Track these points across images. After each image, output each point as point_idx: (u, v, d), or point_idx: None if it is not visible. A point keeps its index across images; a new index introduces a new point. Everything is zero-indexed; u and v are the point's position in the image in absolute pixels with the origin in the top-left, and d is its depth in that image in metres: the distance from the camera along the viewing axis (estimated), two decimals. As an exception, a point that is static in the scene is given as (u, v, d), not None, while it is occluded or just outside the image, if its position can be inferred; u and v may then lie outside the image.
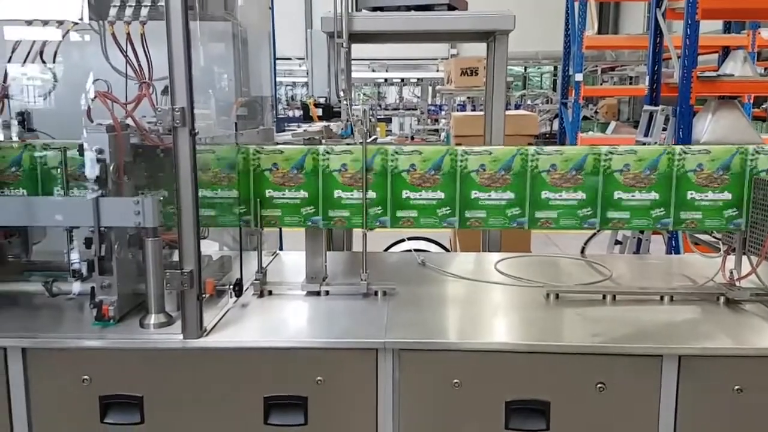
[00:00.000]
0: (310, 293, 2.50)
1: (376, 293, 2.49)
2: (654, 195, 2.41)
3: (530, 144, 4.11)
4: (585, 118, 12.70)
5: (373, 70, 14.36)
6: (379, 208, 2.42)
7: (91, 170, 2.08)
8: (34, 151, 2.36)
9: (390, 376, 2.08)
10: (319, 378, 2.07)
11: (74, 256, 2.74)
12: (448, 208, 2.45)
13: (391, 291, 2.51)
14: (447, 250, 4.68)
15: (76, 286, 2.31)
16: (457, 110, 12.59)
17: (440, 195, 2.43)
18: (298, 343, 2.09)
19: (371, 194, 2.41)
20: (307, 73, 5.48)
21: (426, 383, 2.09)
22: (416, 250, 3.26)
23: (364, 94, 14.99)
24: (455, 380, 2.06)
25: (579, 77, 9.27)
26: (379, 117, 12.16)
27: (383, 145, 2.48)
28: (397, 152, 2.40)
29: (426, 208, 2.45)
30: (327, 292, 2.50)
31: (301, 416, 2.07)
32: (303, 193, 2.40)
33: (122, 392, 2.06)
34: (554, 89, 18.85)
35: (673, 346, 2.06)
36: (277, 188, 2.40)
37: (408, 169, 2.41)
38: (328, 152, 2.38)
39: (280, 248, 3.62)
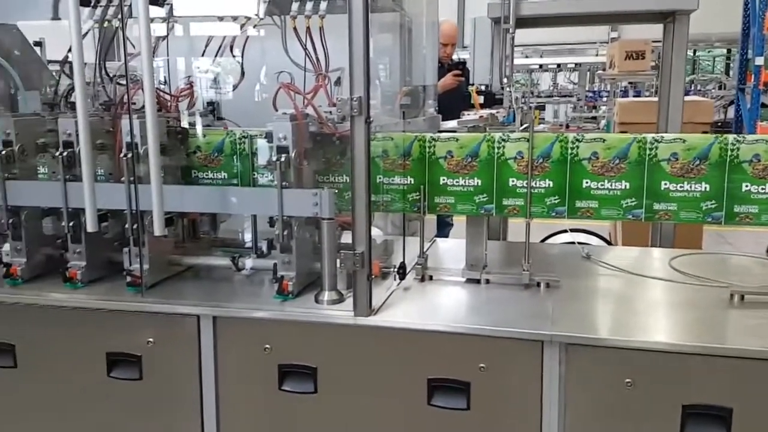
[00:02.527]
0: (470, 280, 2.52)
1: (538, 284, 2.45)
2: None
3: (705, 132, 3.80)
4: (764, 105, 11.46)
5: (527, 56, 13.95)
6: (556, 197, 2.37)
7: (270, 156, 2.25)
8: (234, 138, 2.58)
9: (556, 370, 2.04)
10: (482, 365, 2.08)
11: (248, 236, 3.00)
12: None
13: (554, 283, 2.45)
14: (609, 243, 4.47)
15: (249, 262, 2.55)
16: (620, 96, 11.90)
17: (625, 184, 2.34)
18: (462, 328, 2.11)
19: (548, 183, 2.37)
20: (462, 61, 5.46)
21: (595, 380, 2.02)
22: (577, 243, 3.14)
23: (516, 81, 14.66)
24: (627, 380, 1.97)
25: (759, 61, 8.42)
26: (531, 105, 11.83)
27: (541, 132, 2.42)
28: (578, 140, 2.33)
29: (609, 199, 2.36)
30: (487, 281, 2.50)
31: (464, 401, 2.10)
32: (477, 181, 2.41)
33: (299, 362, 2.20)
34: (727, 74, 17.17)
35: None
36: (450, 175, 2.43)
37: (590, 158, 2.33)
38: (503, 139, 2.37)
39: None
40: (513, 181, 2.39)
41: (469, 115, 2.75)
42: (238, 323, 2.24)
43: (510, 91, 3.02)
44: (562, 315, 2.19)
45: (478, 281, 2.49)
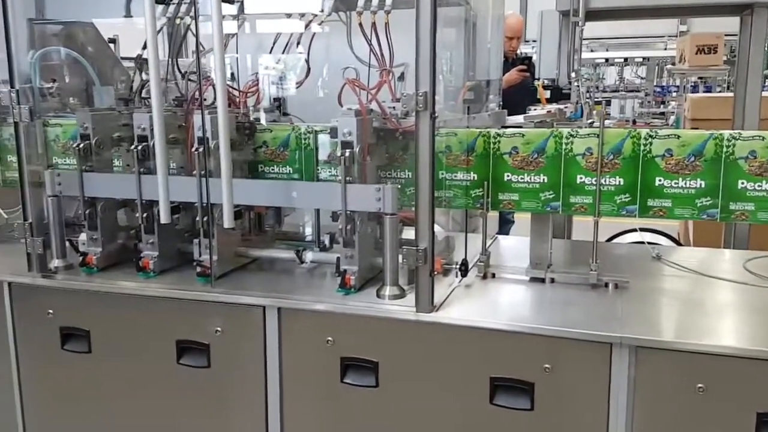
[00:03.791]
0: (534, 279, 2.47)
1: (606, 285, 2.38)
2: None
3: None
4: None
5: (592, 50, 13.56)
6: (627, 195, 2.30)
7: (332, 151, 2.28)
8: (299, 132, 2.62)
9: (625, 373, 1.98)
10: (547, 366, 2.04)
11: (306, 230, 3.04)
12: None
13: (623, 284, 2.38)
14: (678, 243, 4.31)
15: (312, 256, 2.58)
16: (689, 91, 11.43)
17: (700, 183, 2.25)
18: (527, 328, 2.07)
19: (618, 180, 2.30)
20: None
21: (666, 385, 1.96)
22: (647, 243, 3.04)
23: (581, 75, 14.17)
24: (699, 385, 1.90)
25: None
26: (596, 99, 11.50)
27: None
28: (651, 136, 2.25)
29: (683, 198, 2.27)
30: (552, 280, 2.45)
31: (527, 402, 2.07)
32: (543, 177, 2.36)
33: (360, 356, 2.22)
34: (809, 67, 16.18)
35: None
36: (515, 171, 2.39)
37: (663, 155, 2.25)
38: (572, 135, 2.31)
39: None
40: (581, 177, 2.33)
41: (536, 110, 2.69)
42: (302, 315, 2.28)
43: (578, 86, 2.94)
44: (632, 317, 2.12)
45: (542, 280, 2.44)
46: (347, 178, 2.24)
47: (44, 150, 2.70)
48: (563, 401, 2.05)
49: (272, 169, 2.66)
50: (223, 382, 2.37)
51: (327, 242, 2.64)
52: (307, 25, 2.73)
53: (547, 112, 2.61)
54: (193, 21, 2.51)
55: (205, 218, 2.38)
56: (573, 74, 3.07)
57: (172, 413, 2.47)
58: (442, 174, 2.44)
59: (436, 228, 2.76)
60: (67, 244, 2.60)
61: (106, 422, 2.57)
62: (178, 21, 2.58)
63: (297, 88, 2.84)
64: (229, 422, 2.40)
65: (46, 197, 2.53)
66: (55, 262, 2.56)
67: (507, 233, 4.62)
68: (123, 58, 3.16)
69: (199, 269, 2.41)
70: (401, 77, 2.54)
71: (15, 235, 2.78)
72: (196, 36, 2.37)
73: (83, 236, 2.58)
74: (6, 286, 2.56)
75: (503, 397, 2.09)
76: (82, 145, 2.46)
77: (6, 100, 2.55)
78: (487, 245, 2.57)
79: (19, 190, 2.55)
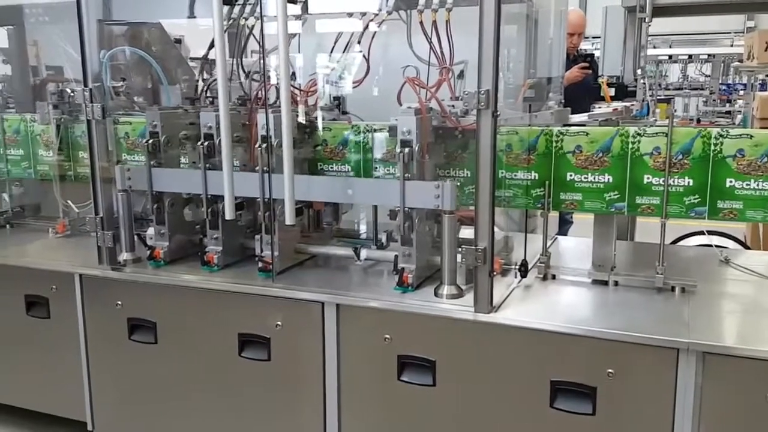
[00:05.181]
0: (596, 281, 2.42)
1: (672, 288, 2.31)
2: None
3: None
4: None
5: (654, 47, 13.13)
6: (696, 196, 2.22)
7: (392, 148, 2.27)
8: (358, 131, 2.64)
9: (692, 379, 1.92)
10: (610, 370, 1.99)
11: (362, 227, 3.05)
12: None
13: (690, 287, 2.31)
14: (746, 247, 4.13)
15: (369, 253, 2.59)
16: (758, 89, 10.93)
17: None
18: (590, 331, 2.03)
19: (687, 181, 2.23)
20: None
21: (734, 393, 1.89)
22: (714, 246, 2.93)
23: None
24: (771, 395, 1.83)
25: None
26: (659, 98, 11.13)
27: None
28: (722, 135, 2.17)
29: (756, 199, 2.19)
30: (616, 283, 2.39)
31: (589, 406, 2.02)
32: (607, 177, 2.31)
33: (418, 354, 2.22)
34: None
35: None
36: (579, 171, 2.35)
37: (735, 155, 2.17)
38: (639, 134, 2.25)
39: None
40: (648, 178, 2.27)
41: (601, 108, 2.62)
42: (360, 312, 2.29)
43: (644, 83, 2.85)
44: (699, 322, 2.05)
45: (605, 283, 2.39)
46: (406, 176, 2.24)
47: (114, 147, 2.81)
48: (626, 407, 2.00)
49: (331, 167, 2.69)
50: (283, 375, 2.41)
51: (384, 240, 2.65)
52: (366, 25, 2.74)
53: (613, 110, 2.54)
54: (257, 21, 2.56)
55: (267, 214, 2.42)
56: (639, 71, 2.98)
57: (233, 405, 2.52)
58: (502, 173, 2.42)
59: (495, 228, 2.75)
60: (136, 238, 2.70)
61: (170, 411, 2.65)
62: (242, 21, 2.63)
63: (356, 87, 2.85)
64: (288, 415, 2.44)
65: (116, 192, 2.63)
66: (124, 255, 2.66)
67: (565, 234, 4.53)
68: (191, 58, 3.25)
69: (260, 264, 2.46)
70: (461, 75, 2.52)
71: (86, 229, 2.90)
72: (261, 36, 2.41)
73: (151, 230, 2.67)
74: (77, 277, 2.68)
75: (564, 401, 2.06)
76: (151, 142, 2.55)
77: (79, 98, 2.66)
78: (548, 246, 2.53)
79: (91, 186, 2.66)
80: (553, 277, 2.49)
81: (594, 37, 7.77)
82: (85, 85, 2.58)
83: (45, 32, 3.50)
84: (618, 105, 2.63)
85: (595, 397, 2.02)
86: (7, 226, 3.39)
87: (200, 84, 2.90)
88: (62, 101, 3.12)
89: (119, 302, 2.60)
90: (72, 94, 3.07)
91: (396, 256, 2.37)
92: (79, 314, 2.70)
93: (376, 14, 2.67)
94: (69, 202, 3.17)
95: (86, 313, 2.70)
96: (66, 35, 3.30)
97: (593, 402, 2.02)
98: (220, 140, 2.36)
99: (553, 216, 3.36)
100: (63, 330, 2.74)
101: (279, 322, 2.37)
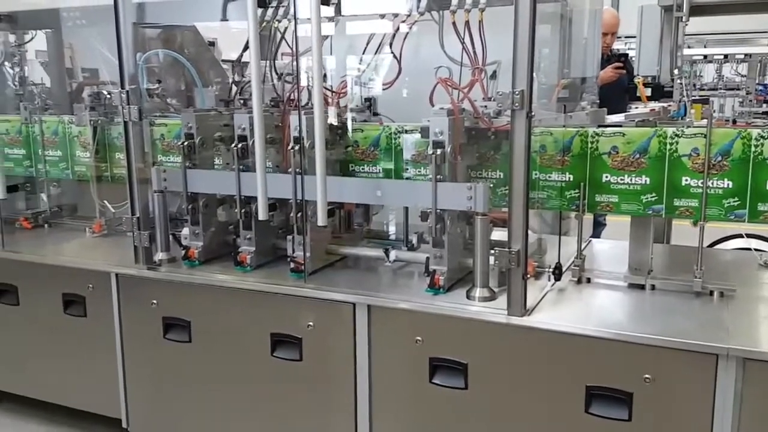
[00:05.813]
0: (632, 285, 2.38)
1: (711, 293, 2.26)
2: None
3: None
4: None
5: (689, 47, 12.87)
6: (735, 199, 2.17)
7: (425, 149, 2.26)
8: (389, 132, 2.64)
9: (731, 386, 1.87)
10: (647, 376, 1.96)
11: (392, 228, 3.05)
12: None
13: (729, 292, 2.25)
14: (787, 252, 4.01)
15: (399, 255, 2.59)
16: (795, 89, 10.61)
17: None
18: (627, 336, 1.99)
19: (726, 183, 2.18)
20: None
21: (778, 401, 1.83)
22: (753, 249, 2.86)
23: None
24: (817, 404, 1.77)
25: None
26: (693, 98, 10.89)
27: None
28: (762, 137, 2.11)
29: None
30: (653, 286, 2.35)
31: (625, 412, 1.99)
32: (645, 179, 2.27)
33: (449, 357, 2.21)
34: None
35: None
36: (615, 173, 2.31)
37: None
38: (677, 135, 2.21)
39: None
40: (686, 179, 2.22)
41: (638, 109, 2.58)
42: (391, 313, 2.29)
43: (681, 83, 2.79)
44: (739, 327, 2.01)
45: (642, 286, 2.35)
46: (438, 177, 2.23)
47: (150, 148, 2.85)
48: (664, 413, 1.96)
49: (362, 169, 2.69)
50: (315, 375, 2.42)
51: (415, 241, 2.64)
52: (398, 26, 2.74)
53: (651, 110, 2.50)
54: (290, 23, 2.58)
55: (299, 214, 2.43)
56: (675, 71, 2.92)
57: (266, 404, 2.54)
58: (536, 174, 2.39)
59: (528, 230, 2.72)
60: (171, 238, 2.73)
61: (203, 409, 2.68)
62: (276, 24, 2.65)
63: (387, 88, 2.85)
64: (319, 415, 2.45)
65: (151, 193, 2.67)
66: (160, 255, 2.70)
67: (598, 236, 4.46)
68: (224, 61, 3.28)
69: (293, 265, 2.47)
70: (493, 75, 2.50)
71: (123, 229, 2.95)
72: (295, 38, 2.42)
73: (185, 231, 2.70)
74: (114, 277, 2.73)
75: (599, 407, 2.02)
76: (186, 143, 2.58)
77: (116, 100, 2.71)
78: (582, 248, 2.49)
79: (127, 186, 2.70)
80: (588, 280, 2.45)
81: (626, 37, 7.63)
82: (122, 88, 2.62)
83: (80, 35, 3.57)
84: (655, 105, 2.58)
85: (632, 402, 1.98)
86: (46, 225, 3.47)
87: (233, 86, 2.93)
88: (99, 103, 3.18)
89: (154, 301, 2.64)
90: (109, 96, 3.13)
91: (427, 258, 2.36)
92: (115, 313, 2.75)
93: (409, 15, 2.66)
94: (105, 202, 3.23)
95: (122, 312, 2.74)
96: (102, 38, 3.37)
97: (629, 408, 1.98)
98: (253, 141, 2.38)
99: (589, 218, 3.32)
100: (99, 328, 2.79)
101: (311, 323, 2.37)
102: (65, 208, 3.60)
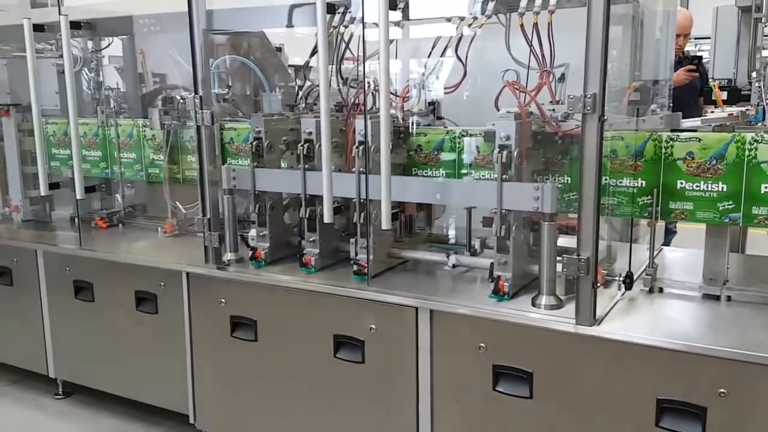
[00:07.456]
0: (707, 296, 2.29)
1: (791, 305, 2.15)
2: None
3: None
4: None
5: (765, 48, 12.33)
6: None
7: (487, 154, 2.23)
8: (453, 136, 2.64)
9: (815, 404, 1.78)
10: (721, 390, 1.88)
11: (451, 233, 3.03)
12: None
13: (812, 305, 2.14)
14: None
15: (462, 259, 2.57)
16: None
17: None
18: (701, 349, 1.91)
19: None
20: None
21: None
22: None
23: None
24: None
25: None
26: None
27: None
28: None
29: None
30: (729, 297, 2.25)
31: (698, 427, 1.91)
32: (722, 186, 2.19)
33: (514, 365, 2.18)
34: None
35: None
36: (690, 179, 2.23)
37: None
38: (756, 140, 2.12)
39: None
40: (766, 187, 2.12)
41: (715, 113, 2.48)
42: (454, 319, 2.27)
43: (759, 87, 2.67)
44: (823, 342, 1.90)
45: (717, 297, 2.25)
46: (503, 177, 2.20)
47: (220, 151, 2.93)
48: (738, 428, 1.88)
49: (425, 173, 2.69)
50: (376, 378, 2.43)
51: (478, 247, 2.62)
52: (463, 30, 2.72)
53: (729, 114, 2.40)
54: (356, 29, 2.60)
55: (362, 214, 2.45)
56: (753, 74, 2.79)
57: (328, 404, 2.57)
58: (606, 179, 2.33)
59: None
60: (239, 239, 2.80)
61: (268, 407, 2.73)
62: (342, 29, 2.68)
63: (452, 92, 2.84)
64: (381, 418, 2.46)
65: (221, 194, 2.75)
66: (228, 255, 2.77)
67: (668, 244, 4.31)
68: (291, 66, 3.35)
69: (356, 267, 2.49)
70: (561, 78, 2.46)
71: (194, 229, 3.04)
72: (363, 43, 2.44)
73: (253, 232, 2.76)
74: (184, 275, 2.82)
75: (671, 421, 1.95)
76: (255, 144, 2.65)
77: (189, 105, 2.80)
78: (654, 256, 2.41)
79: (198, 188, 2.79)
80: (660, 290, 2.37)
81: (697, 38, 7.35)
82: (195, 93, 2.71)
83: (150, 41, 3.71)
84: (734, 110, 2.48)
85: (705, 417, 1.90)
86: (120, 225, 3.62)
87: (299, 91, 2.98)
88: (172, 107, 3.30)
89: (223, 300, 2.72)
90: (182, 101, 3.24)
91: (491, 264, 2.34)
92: (185, 310, 2.84)
93: (476, 18, 2.65)
94: (177, 203, 3.34)
95: (192, 310, 2.83)
96: (172, 44, 3.50)
97: (703, 422, 1.91)
98: (319, 145, 2.41)
99: (661, 225, 3.21)
100: (170, 325, 2.89)
101: (373, 325, 2.39)
102: (137, 208, 3.75)
